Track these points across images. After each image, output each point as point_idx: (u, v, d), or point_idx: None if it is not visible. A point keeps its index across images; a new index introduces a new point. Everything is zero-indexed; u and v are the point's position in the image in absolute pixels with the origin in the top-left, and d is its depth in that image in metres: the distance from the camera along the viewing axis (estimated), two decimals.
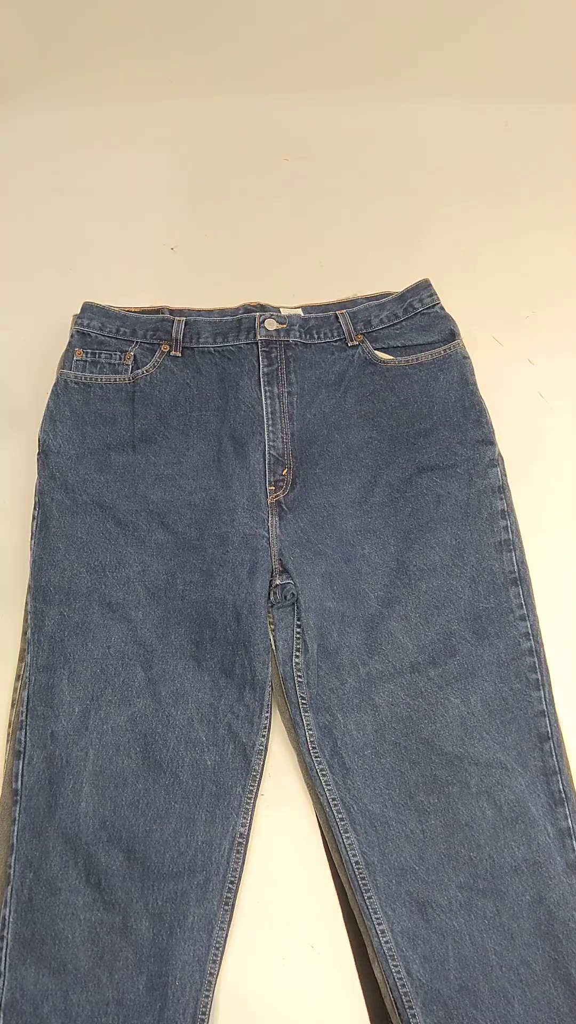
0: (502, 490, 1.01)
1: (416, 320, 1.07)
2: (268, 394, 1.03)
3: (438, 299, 1.07)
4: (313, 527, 1.00)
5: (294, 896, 0.91)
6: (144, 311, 1.07)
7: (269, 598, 0.97)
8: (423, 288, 1.07)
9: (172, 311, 1.07)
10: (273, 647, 0.96)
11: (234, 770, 0.92)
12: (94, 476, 1.00)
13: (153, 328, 1.05)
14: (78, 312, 1.06)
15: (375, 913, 0.87)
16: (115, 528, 0.98)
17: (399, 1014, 0.84)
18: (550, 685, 0.95)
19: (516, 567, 0.98)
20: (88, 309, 1.06)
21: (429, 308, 1.07)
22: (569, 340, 1.22)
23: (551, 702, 0.94)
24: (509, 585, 0.98)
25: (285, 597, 0.97)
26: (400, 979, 0.85)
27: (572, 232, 1.31)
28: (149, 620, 0.96)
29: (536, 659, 0.95)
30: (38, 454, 1.01)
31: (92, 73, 1.38)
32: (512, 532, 1.00)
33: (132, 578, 0.97)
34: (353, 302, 1.08)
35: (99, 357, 1.04)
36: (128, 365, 1.04)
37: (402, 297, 1.07)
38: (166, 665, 0.94)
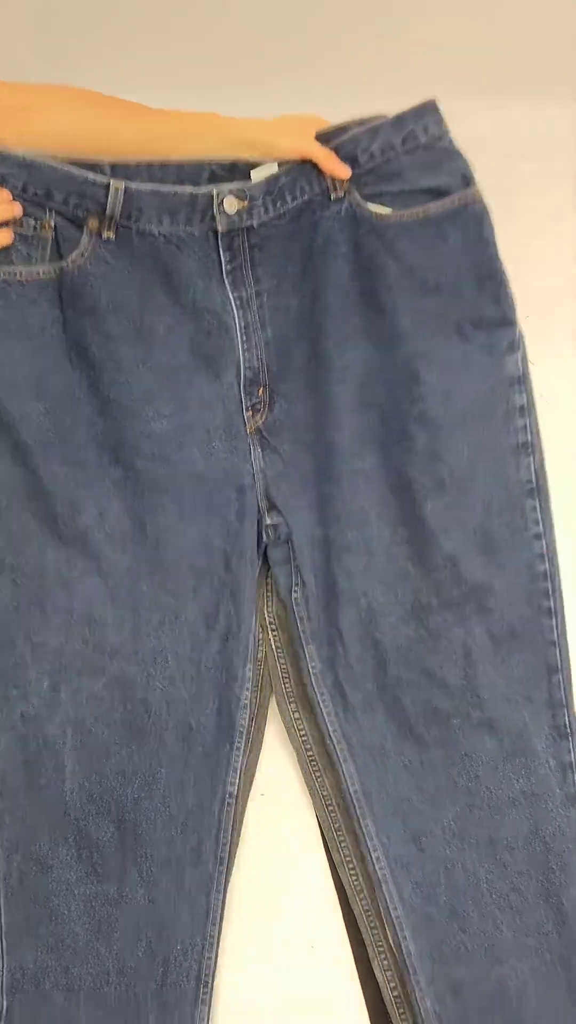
0: (521, 381, 0.88)
1: (418, 155, 0.85)
2: (237, 299, 0.86)
3: (447, 129, 0.84)
4: (300, 448, 0.88)
5: (294, 896, 0.91)
6: (70, 162, 0.81)
7: (260, 539, 0.89)
8: (429, 111, 0.83)
9: (113, 166, 0.82)
10: (275, 584, 0.91)
11: (220, 728, 0.88)
12: (31, 406, 0.83)
13: (77, 192, 0.81)
14: None
15: (370, 840, 0.86)
16: (61, 468, 0.84)
17: (391, 950, 0.84)
18: (563, 613, 0.88)
19: (534, 475, 0.89)
20: None
21: (436, 140, 0.84)
22: (569, 340, 1.22)
23: (563, 633, 0.88)
24: (525, 497, 0.89)
25: (279, 536, 0.90)
26: (392, 904, 0.84)
27: (572, 233, 1.31)
28: (115, 573, 0.85)
29: (550, 584, 0.88)
30: None
31: (92, 73, 1.38)
32: (531, 433, 0.89)
33: (91, 525, 0.85)
34: (341, 130, 0.84)
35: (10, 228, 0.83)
36: (46, 240, 0.83)
37: (399, 121, 0.83)
38: (139, 620, 0.86)
